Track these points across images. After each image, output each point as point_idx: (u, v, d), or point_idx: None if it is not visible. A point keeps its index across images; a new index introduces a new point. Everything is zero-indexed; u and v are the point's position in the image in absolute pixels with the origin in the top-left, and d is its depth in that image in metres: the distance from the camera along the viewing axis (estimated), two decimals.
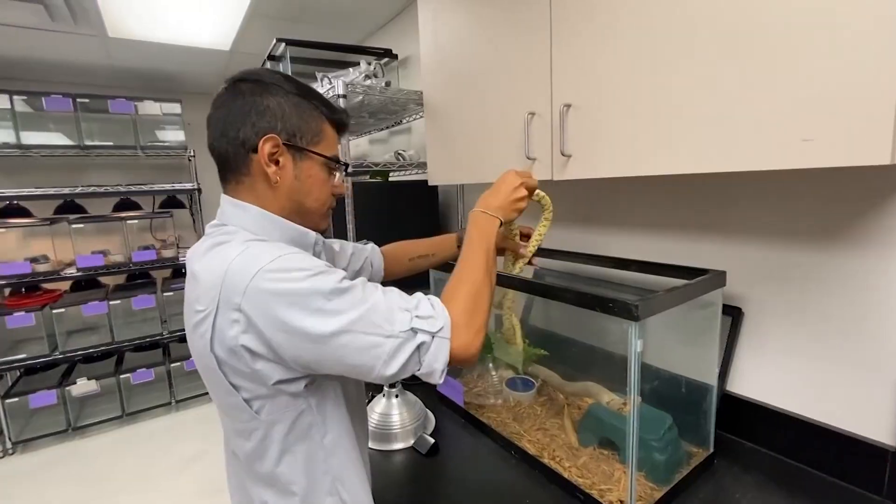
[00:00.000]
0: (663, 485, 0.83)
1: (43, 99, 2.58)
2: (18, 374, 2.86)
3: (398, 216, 1.68)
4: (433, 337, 0.58)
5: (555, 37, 0.91)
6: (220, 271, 0.56)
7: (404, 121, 2.01)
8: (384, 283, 0.79)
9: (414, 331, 0.57)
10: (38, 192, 2.63)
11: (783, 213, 0.90)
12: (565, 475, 0.88)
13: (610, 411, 0.96)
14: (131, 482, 2.29)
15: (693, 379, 0.96)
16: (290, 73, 1.85)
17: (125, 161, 3.23)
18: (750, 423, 0.96)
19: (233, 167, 0.65)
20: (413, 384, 1.26)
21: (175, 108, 2.93)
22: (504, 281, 0.98)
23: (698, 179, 1.03)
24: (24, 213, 2.83)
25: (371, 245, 1.00)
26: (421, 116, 1.81)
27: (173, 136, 3.00)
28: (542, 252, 1.33)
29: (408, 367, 0.57)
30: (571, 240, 1.38)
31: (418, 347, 0.57)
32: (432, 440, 1.01)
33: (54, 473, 2.40)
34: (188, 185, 3.00)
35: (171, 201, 3.18)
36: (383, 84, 1.50)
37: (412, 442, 1.04)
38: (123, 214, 2.88)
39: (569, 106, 0.91)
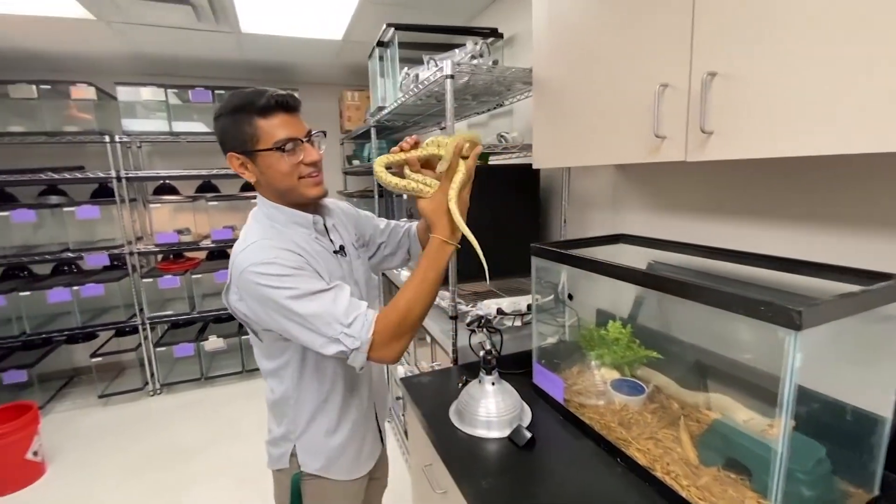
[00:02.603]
0: None
1: (189, 92, 2.96)
2: (166, 327, 3.38)
3: (497, 201, 1.63)
4: (351, 350, 0.79)
5: None
6: (234, 254, 0.84)
7: (506, 102, 1.95)
8: None
9: (339, 340, 0.79)
10: (184, 173, 3.05)
11: None
12: (683, 494, 0.78)
13: (740, 430, 0.83)
14: (249, 428, 2.60)
15: (858, 407, 0.79)
16: (396, 58, 1.89)
17: None
18: None
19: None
20: (509, 374, 1.23)
21: None
22: (627, 275, 0.89)
23: (881, 161, 0.83)
24: (174, 191, 3.30)
25: (413, 232, 1.15)
26: (526, 97, 1.73)
27: None
28: (659, 244, 1.20)
29: (337, 356, 0.81)
30: (696, 231, 1.22)
31: (342, 350, 0.80)
32: (529, 434, 0.97)
33: (189, 413, 2.82)
34: None
35: None
36: (490, 63, 1.44)
37: (507, 433, 1.01)
38: (248, 194, 3.23)
39: (714, 75, 0.78)
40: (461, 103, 1.88)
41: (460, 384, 1.25)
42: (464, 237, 0.84)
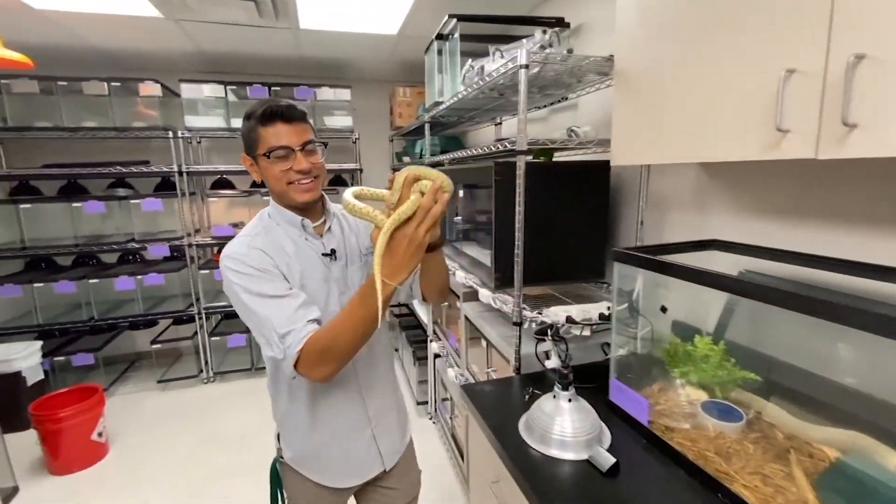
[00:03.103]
0: None
1: (247, 88, 3.02)
2: (220, 317, 3.49)
3: (560, 199, 1.53)
4: (279, 359, 0.84)
5: None
6: None
7: (571, 95, 1.84)
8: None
9: (271, 346, 0.84)
10: (241, 168, 3.12)
11: None
12: None
13: (880, 476, 0.71)
14: None
15: None
16: (457, 51, 1.82)
17: None
18: None
19: None
20: (583, 387, 1.14)
21: (346, 94, 3.19)
22: (752, 292, 0.79)
23: None
24: (230, 185, 3.39)
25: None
26: (596, 89, 1.62)
27: (342, 120, 3.28)
28: (758, 252, 1.08)
29: (272, 359, 0.88)
30: (797, 237, 1.08)
31: (272, 356, 0.85)
32: (613, 459, 0.88)
33: (239, 401, 2.89)
34: (352, 165, 3.27)
35: (337, 180, 3.51)
36: (564, 52, 1.35)
37: (585, 455, 0.92)
38: None
39: (861, 57, 0.66)
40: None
41: (527, 396, 1.18)
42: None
